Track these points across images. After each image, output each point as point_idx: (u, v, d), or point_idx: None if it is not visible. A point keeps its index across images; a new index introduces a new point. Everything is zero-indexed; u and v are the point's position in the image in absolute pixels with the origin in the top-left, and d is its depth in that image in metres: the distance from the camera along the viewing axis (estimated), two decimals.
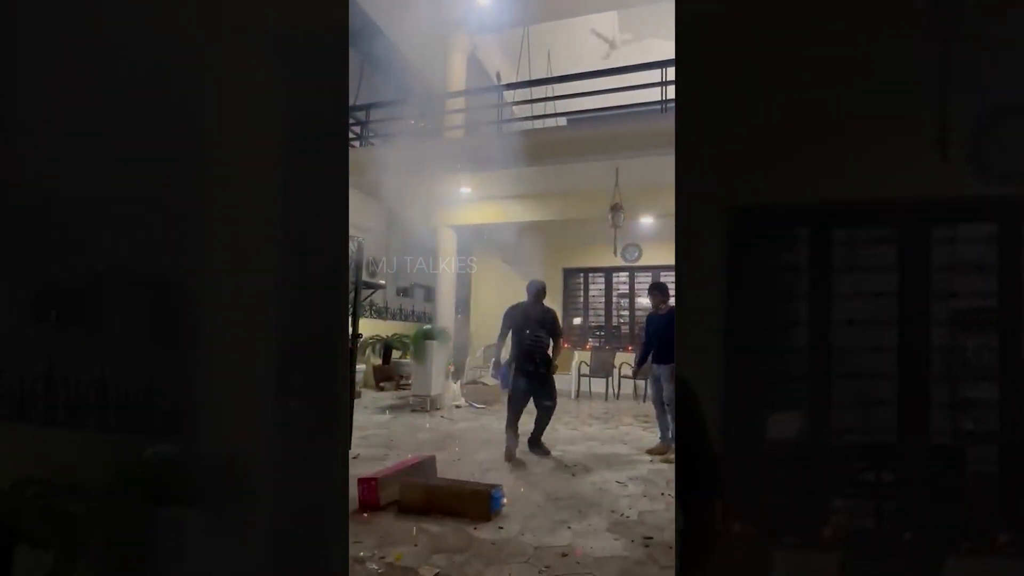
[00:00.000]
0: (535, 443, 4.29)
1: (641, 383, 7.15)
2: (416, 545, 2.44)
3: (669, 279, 5.44)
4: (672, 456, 4.23)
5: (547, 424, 4.38)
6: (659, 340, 4.54)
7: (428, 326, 7.53)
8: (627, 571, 2.22)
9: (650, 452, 4.41)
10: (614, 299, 9.81)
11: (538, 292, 4.49)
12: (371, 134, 7.63)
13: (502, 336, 4.48)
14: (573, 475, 3.73)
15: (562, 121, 7.33)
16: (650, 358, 4.70)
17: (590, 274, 9.96)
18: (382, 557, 2.30)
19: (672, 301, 4.56)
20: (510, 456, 4.04)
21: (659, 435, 4.58)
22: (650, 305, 4.93)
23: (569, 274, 10.01)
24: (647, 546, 2.46)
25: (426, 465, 3.39)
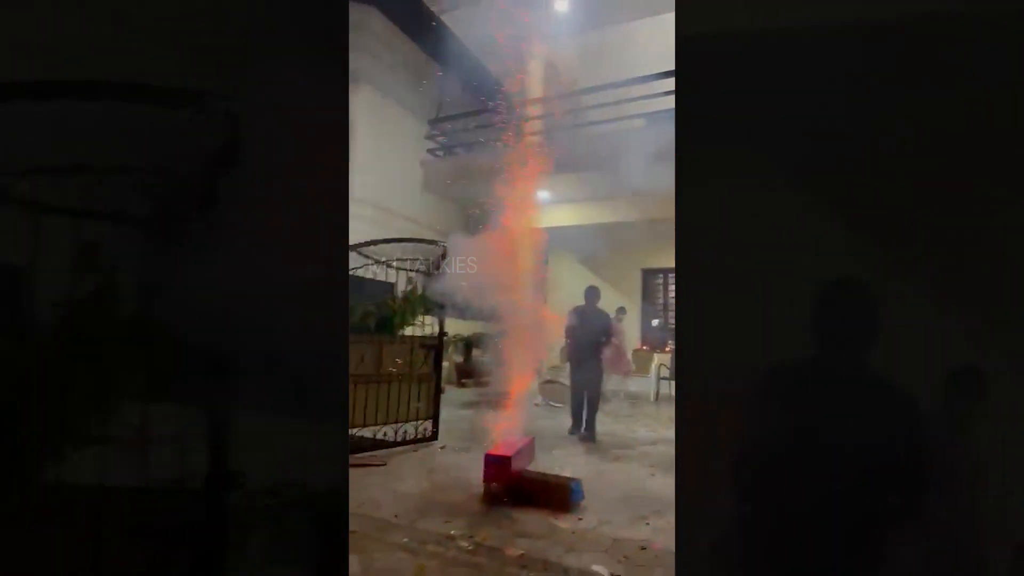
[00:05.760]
0: (588, 427, 4.88)
1: None
2: (502, 528, 2.63)
3: None
4: None
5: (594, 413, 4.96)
6: None
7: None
8: None
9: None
10: None
11: (594, 296, 5.26)
12: (454, 144, 8.02)
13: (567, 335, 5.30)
14: (652, 475, 3.76)
15: (640, 122, 7.28)
16: None
17: (670, 275, 9.75)
18: (471, 536, 2.52)
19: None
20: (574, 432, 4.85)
21: None
22: None
23: (648, 275, 9.86)
24: None
25: (530, 445, 3.73)
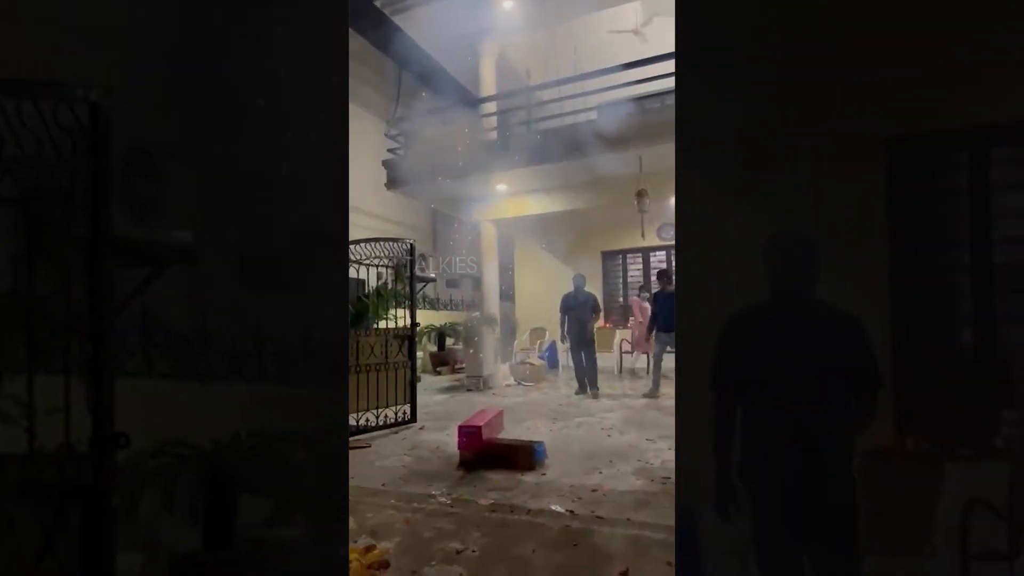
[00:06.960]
0: (592, 386, 6.18)
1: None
2: (475, 486, 3.07)
3: None
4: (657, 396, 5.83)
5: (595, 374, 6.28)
6: (665, 313, 5.96)
7: (476, 313, 8.19)
8: (642, 500, 2.76)
9: (645, 396, 5.94)
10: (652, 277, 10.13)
11: (581, 281, 6.53)
12: (414, 142, 8.27)
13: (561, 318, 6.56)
14: (609, 436, 4.26)
15: (593, 115, 7.69)
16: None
17: (628, 255, 10.31)
18: (450, 494, 2.95)
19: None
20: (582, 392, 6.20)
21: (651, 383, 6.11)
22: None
23: (607, 256, 10.40)
24: (664, 483, 2.98)
25: (499, 417, 4.26)
